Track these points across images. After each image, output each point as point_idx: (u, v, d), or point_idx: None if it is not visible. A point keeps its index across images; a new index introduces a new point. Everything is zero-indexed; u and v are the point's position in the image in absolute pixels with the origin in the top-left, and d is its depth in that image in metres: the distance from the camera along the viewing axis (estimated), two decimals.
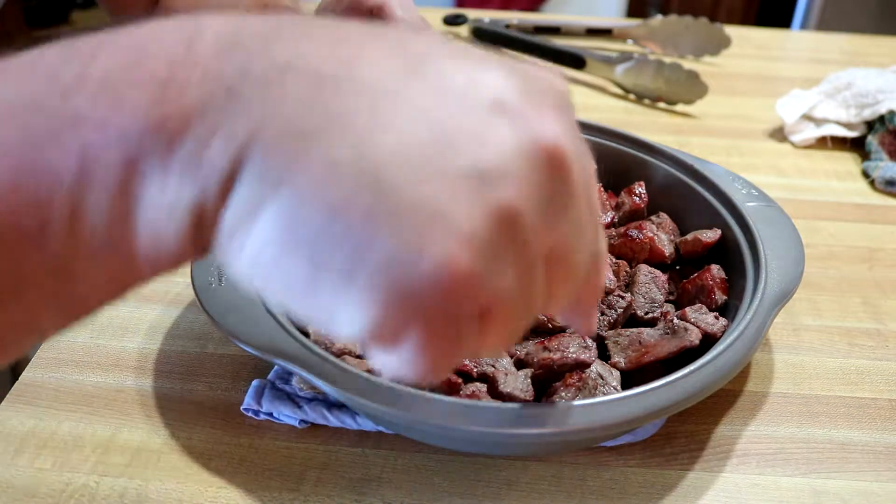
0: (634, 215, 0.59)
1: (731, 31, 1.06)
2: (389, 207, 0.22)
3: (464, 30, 1.10)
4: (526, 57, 1.03)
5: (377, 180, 0.22)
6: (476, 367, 0.46)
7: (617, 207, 0.59)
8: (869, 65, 0.98)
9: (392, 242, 0.22)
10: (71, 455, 0.46)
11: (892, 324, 0.59)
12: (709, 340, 0.47)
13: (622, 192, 0.60)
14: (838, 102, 0.86)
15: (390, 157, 0.23)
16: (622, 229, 0.56)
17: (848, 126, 0.85)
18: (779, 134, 0.87)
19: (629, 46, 1.09)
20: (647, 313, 0.51)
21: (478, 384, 0.44)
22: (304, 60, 0.24)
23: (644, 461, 0.47)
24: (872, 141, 0.82)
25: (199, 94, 0.23)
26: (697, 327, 0.47)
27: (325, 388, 0.40)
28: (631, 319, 0.51)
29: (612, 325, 0.49)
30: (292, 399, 0.48)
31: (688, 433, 0.49)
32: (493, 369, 0.46)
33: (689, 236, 0.56)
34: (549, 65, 1.01)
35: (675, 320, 0.48)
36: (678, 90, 0.91)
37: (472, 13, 1.13)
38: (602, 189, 0.59)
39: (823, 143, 0.85)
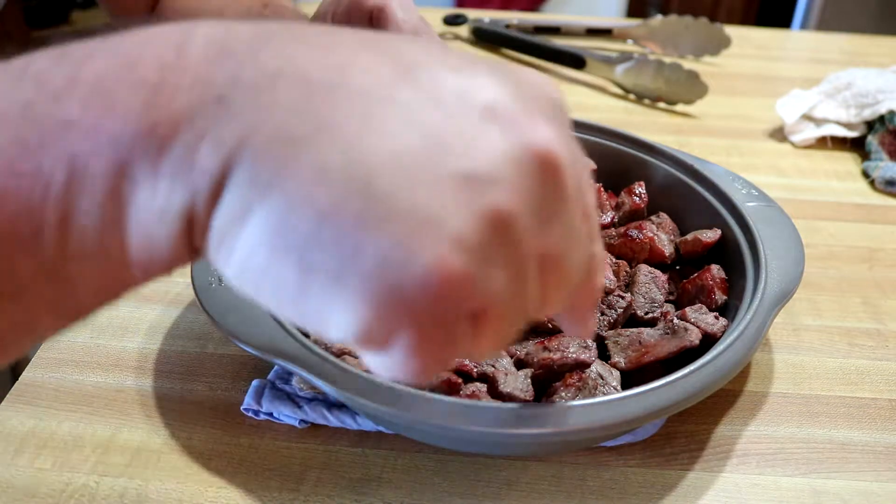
0: (634, 215, 0.59)
1: (731, 31, 1.06)
2: (380, 211, 0.22)
3: (464, 30, 1.10)
4: (523, 59, 1.03)
5: (367, 185, 0.22)
6: (476, 367, 0.46)
7: (617, 207, 0.59)
8: (869, 65, 0.98)
9: (382, 246, 0.22)
10: (71, 455, 0.46)
11: (892, 324, 0.59)
12: (709, 340, 0.47)
13: (622, 192, 0.60)
14: (838, 102, 0.86)
15: (381, 162, 0.23)
16: (622, 229, 0.56)
17: (848, 126, 0.85)
18: (779, 134, 0.87)
19: (629, 46, 1.09)
20: (647, 313, 0.51)
21: (478, 384, 0.44)
22: (295, 67, 0.24)
23: (644, 461, 0.47)
24: (872, 141, 0.82)
25: (189, 100, 0.23)
26: (697, 327, 0.47)
27: (325, 388, 0.40)
28: (631, 319, 0.51)
29: (612, 325, 0.49)
30: (292, 399, 0.48)
31: (688, 433, 0.49)
32: (493, 369, 0.46)
33: (689, 236, 0.57)
34: (544, 69, 1.01)
35: (675, 320, 0.48)
36: (678, 90, 0.91)
37: (472, 13, 1.13)
38: (602, 189, 0.59)
39: (823, 143, 0.85)
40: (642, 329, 0.48)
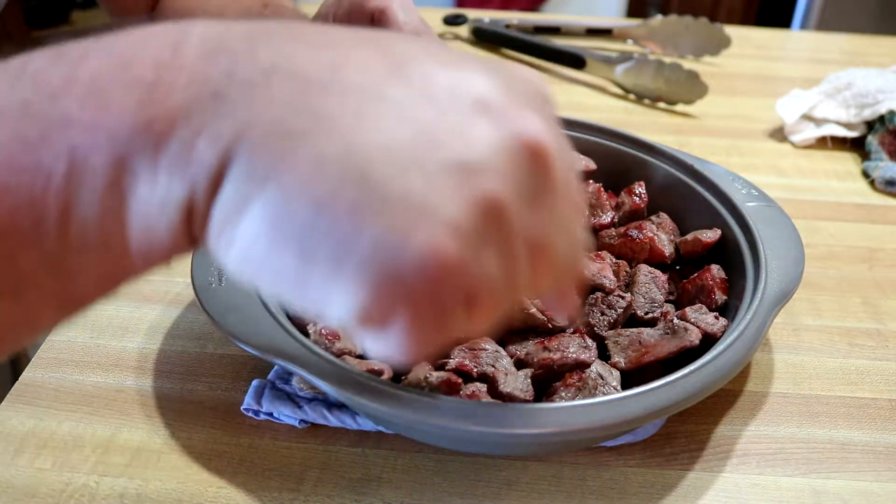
0: (634, 215, 0.59)
1: (731, 31, 1.06)
2: (376, 200, 0.23)
3: (464, 30, 1.10)
4: (523, 59, 1.03)
5: (363, 175, 0.23)
6: (476, 367, 0.46)
7: (617, 207, 0.59)
8: (869, 65, 0.98)
9: (379, 232, 0.23)
10: (71, 455, 0.46)
11: (892, 324, 0.59)
12: (709, 340, 0.47)
13: (622, 192, 0.60)
14: (838, 102, 0.86)
15: (376, 153, 0.24)
16: (622, 229, 0.56)
17: (848, 126, 0.85)
18: (779, 134, 0.87)
19: (629, 46, 1.09)
20: (647, 313, 0.51)
21: (478, 384, 0.44)
22: (290, 64, 0.25)
23: (644, 461, 0.47)
24: (872, 141, 0.82)
25: (185, 97, 0.24)
26: (697, 327, 0.47)
27: (325, 388, 0.40)
28: (631, 319, 0.51)
29: (612, 325, 0.49)
30: (292, 399, 0.48)
31: (688, 433, 0.49)
32: (493, 369, 0.46)
33: (689, 236, 0.56)
34: (544, 69, 1.01)
35: (675, 320, 0.48)
36: (678, 90, 0.91)
37: (472, 13, 1.13)
38: (602, 189, 0.59)
39: (823, 143, 0.85)
40: (642, 329, 0.48)
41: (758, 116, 0.91)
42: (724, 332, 0.47)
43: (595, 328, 0.49)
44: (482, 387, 0.44)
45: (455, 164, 0.24)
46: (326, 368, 0.41)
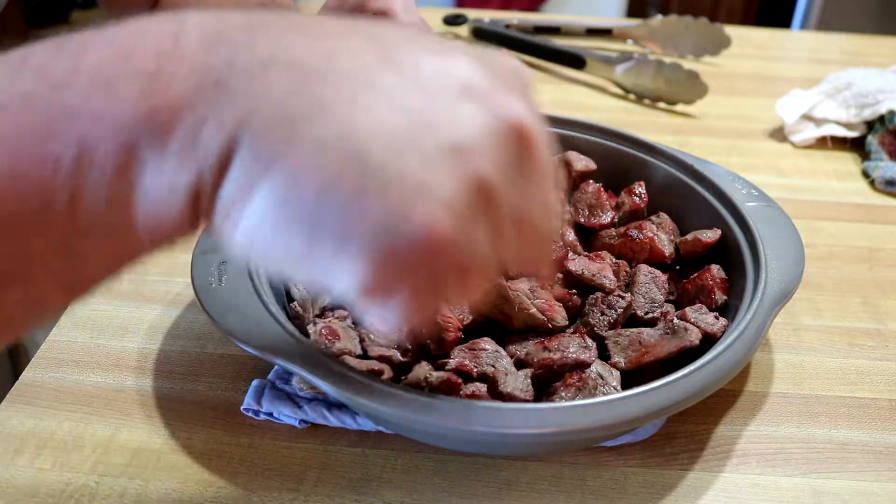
0: (634, 215, 0.59)
1: (731, 31, 1.06)
2: (376, 182, 0.25)
3: (464, 30, 1.10)
4: (523, 59, 1.03)
5: (363, 158, 0.25)
6: (476, 367, 0.46)
7: (617, 207, 0.59)
8: (869, 65, 0.98)
9: (380, 212, 0.25)
10: (71, 455, 0.46)
11: (892, 324, 0.59)
12: (709, 340, 0.47)
13: (622, 192, 0.60)
14: (838, 102, 0.86)
15: (373, 137, 0.25)
16: (622, 229, 0.56)
17: (848, 126, 0.85)
18: (779, 134, 0.87)
19: (629, 46, 1.09)
20: (647, 313, 0.51)
21: (478, 384, 0.44)
22: (287, 54, 0.26)
23: (644, 461, 0.47)
24: (872, 141, 0.82)
25: (187, 87, 0.25)
26: (697, 327, 0.47)
27: (325, 388, 0.40)
28: (631, 319, 0.51)
29: (612, 325, 0.49)
30: (292, 399, 0.48)
31: (688, 433, 0.49)
32: (493, 369, 0.46)
33: (689, 236, 0.56)
34: (544, 69, 1.01)
35: (675, 320, 0.48)
36: (678, 90, 0.91)
37: (472, 13, 1.13)
38: (602, 189, 0.58)
39: (823, 143, 0.85)
40: (642, 329, 0.48)
41: (758, 116, 0.91)
42: (724, 332, 0.47)
43: (595, 328, 0.49)
44: (482, 387, 0.44)
45: (447, 147, 0.26)
46: (326, 368, 0.41)
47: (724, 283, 0.52)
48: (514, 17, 1.12)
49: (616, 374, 0.46)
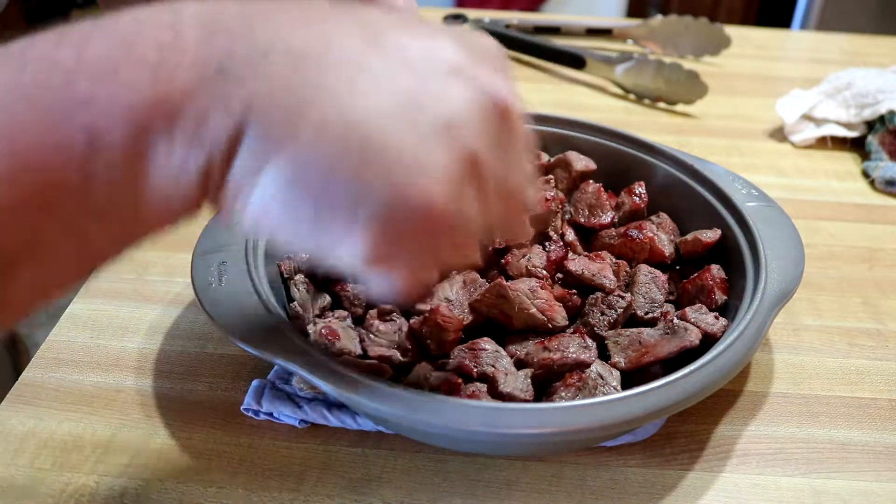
0: (634, 215, 0.59)
1: (731, 31, 1.06)
2: (377, 159, 0.27)
3: None
4: (523, 59, 1.03)
5: (364, 138, 0.27)
6: (476, 367, 0.46)
7: (617, 207, 0.59)
8: (869, 65, 0.98)
9: (382, 187, 0.27)
10: (71, 455, 0.46)
11: (892, 324, 0.59)
12: (709, 340, 0.47)
13: (622, 192, 0.60)
14: (838, 102, 0.86)
15: (372, 118, 0.27)
16: (622, 229, 0.56)
17: (848, 126, 0.85)
18: (779, 134, 0.87)
19: (629, 46, 1.09)
20: (647, 313, 0.51)
21: (478, 384, 0.44)
22: (284, 41, 0.28)
23: (644, 461, 0.47)
24: (872, 141, 0.82)
25: (190, 76, 0.26)
26: (697, 327, 0.47)
27: (325, 388, 0.40)
28: (631, 319, 0.51)
29: (612, 325, 0.49)
30: (292, 399, 0.48)
31: (688, 433, 0.49)
32: (493, 369, 0.46)
33: (689, 236, 0.56)
34: (544, 69, 1.01)
35: (675, 320, 0.48)
36: (678, 90, 0.91)
37: (472, 13, 1.13)
38: (602, 189, 0.58)
39: (823, 143, 0.85)
40: (642, 329, 0.48)
41: (758, 116, 0.91)
42: (724, 332, 0.47)
43: (595, 328, 0.49)
44: (482, 387, 0.44)
45: (439, 124, 0.28)
46: (326, 368, 0.41)
47: (724, 283, 0.52)
48: (514, 17, 1.12)
49: (616, 374, 0.46)
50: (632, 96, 0.95)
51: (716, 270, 0.52)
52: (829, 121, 0.85)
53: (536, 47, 1.02)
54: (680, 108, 0.92)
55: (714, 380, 0.42)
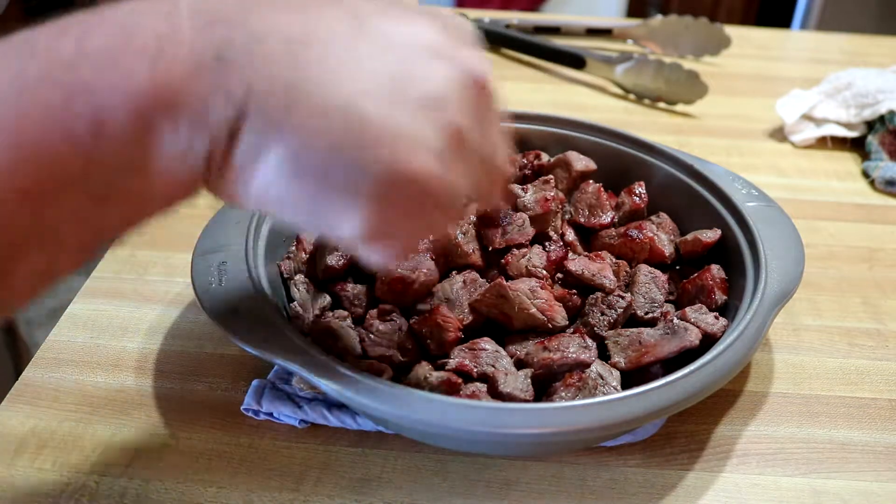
0: (634, 215, 0.59)
1: (731, 31, 1.06)
2: (373, 138, 0.29)
3: None
4: (523, 59, 1.03)
5: (360, 119, 0.29)
6: (476, 367, 0.46)
7: (617, 207, 0.59)
8: (869, 65, 0.98)
9: (380, 163, 0.29)
10: (71, 455, 0.46)
11: (892, 324, 0.59)
12: (709, 340, 0.47)
13: (622, 192, 0.60)
14: (838, 102, 0.86)
15: (366, 100, 0.29)
16: (622, 229, 0.56)
17: (848, 126, 0.85)
18: (779, 134, 0.87)
19: (629, 46, 1.09)
20: (647, 313, 0.51)
21: (478, 384, 0.44)
22: (278, 28, 0.29)
23: (644, 461, 0.47)
24: (872, 141, 0.82)
25: (189, 64, 0.28)
26: (697, 327, 0.47)
27: (325, 388, 0.40)
28: (631, 319, 0.51)
29: (612, 325, 0.49)
30: (292, 399, 0.48)
31: (688, 433, 0.49)
32: (493, 369, 0.46)
33: (689, 236, 0.56)
34: (544, 69, 1.01)
35: (675, 320, 0.48)
36: (678, 90, 0.91)
37: (472, 13, 1.13)
38: (602, 189, 0.58)
39: (823, 143, 0.85)
40: (642, 329, 0.48)
41: (758, 116, 0.91)
42: (724, 332, 0.47)
43: (595, 328, 0.49)
44: (482, 387, 0.44)
45: (426, 102, 0.30)
46: (326, 368, 0.41)
47: (724, 283, 0.52)
48: (514, 17, 1.12)
49: (616, 374, 0.46)
50: (632, 96, 0.95)
51: (716, 270, 0.52)
52: (829, 121, 0.85)
53: (536, 47, 1.02)
54: (680, 108, 0.92)
55: (714, 380, 0.42)
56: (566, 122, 0.64)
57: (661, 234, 0.56)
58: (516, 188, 0.55)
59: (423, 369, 0.45)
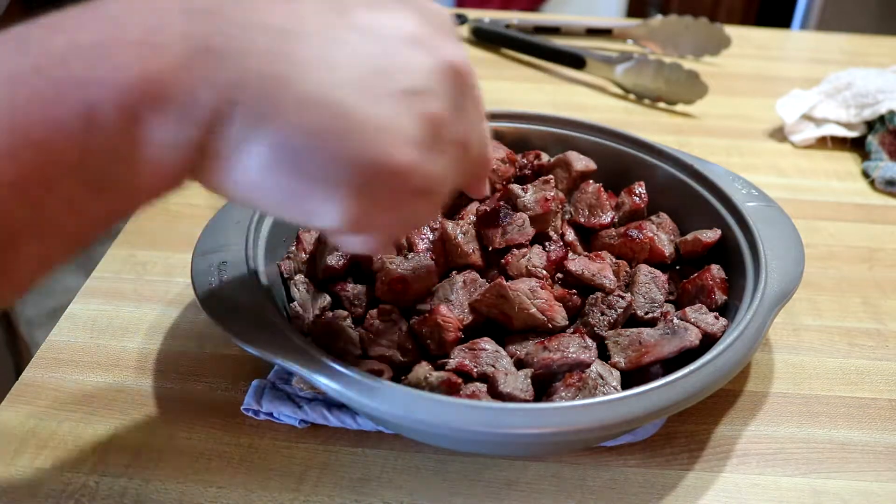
0: (634, 215, 0.59)
1: (731, 31, 1.06)
2: (352, 129, 0.29)
3: (464, 30, 1.10)
4: (523, 59, 1.03)
5: (339, 110, 0.29)
6: (476, 367, 0.46)
7: (617, 207, 0.59)
8: (869, 65, 0.98)
9: (360, 152, 0.30)
10: (71, 455, 0.46)
11: (892, 324, 0.59)
12: (709, 340, 0.47)
13: (622, 192, 0.60)
14: (838, 102, 0.86)
15: (345, 90, 0.29)
16: (622, 229, 0.56)
17: (848, 126, 0.85)
18: (779, 134, 0.87)
19: (629, 46, 1.09)
20: (647, 313, 0.51)
21: (478, 384, 0.44)
22: (262, 20, 0.30)
23: (644, 461, 0.47)
24: (872, 141, 0.82)
25: (177, 56, 0.28)
26: (697, 327, 0.47)
27: (325, 388, 0.40)
28: (631, 319, 0.51)
29: (612, 325, 0.49)
30: (292, 399, 0.48)
31: (688, 433, 0.49)
32: (493, 369, 0.46)
33: (689, 236, 0.56)
34: (544, 69, 1.01)
35: (675, 320, 0.48)
36: (678, 90, 0.91)
37: (472, 13, 1.13)
38: (602, 189, 0.58)
39: (823, 143, 0.85)
40: (642, 329, 0.48)
41: (758, 116, 0.91)
42: (724, 332, 0.47)
43: (595, 328, 0.49)
44: (482, 387, 0.44)
45: (405, 92, 0.31)
46: (326, 368, 0.41)
47: (724, 283, 0.52)
48: (514, 17, 1.12)
49: (616, 374, 0.46)
50: (632, 96, 0.95)
51: (716, 270, 0.53)
52: (829, 121, 0.85)
53: (536, 47, 1.02)
54: (680, 108, 0.92)
55: (714, 380, 0.42)
56: (566, 122, 0.64)
57: (661, 234, 0.56)
58: (516, 188, 0.55)
59: (423, 369, 0.45)
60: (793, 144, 0.85)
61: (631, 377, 0.47)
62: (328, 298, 0.51)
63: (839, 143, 0.85)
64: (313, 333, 0.47)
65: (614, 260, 0.54)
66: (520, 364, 0.47)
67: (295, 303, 0.49)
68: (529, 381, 0.45)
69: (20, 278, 0.30)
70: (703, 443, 0.48)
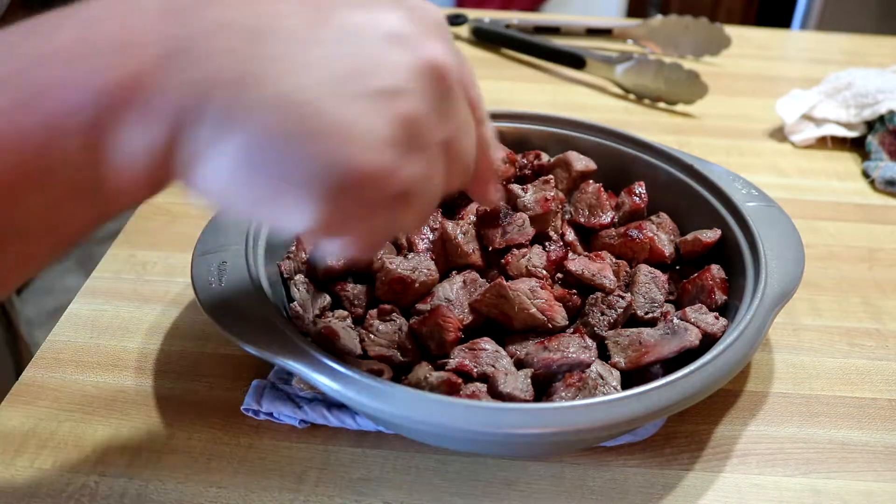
0: (634, 215, 0.59)
1: (731, 31, 1.06)
2: (324, 129, 0.29)
3: (464, 30, 1.10)
4: (523, 59, 1.03)
5: (310, 111, 0.28)
6: (476, 367, 0.46)
7: (617, 207, 0.59)
8: (869, 65, 0.98)
9: (331, 154, 0.29)
10: (71, 455, 0.46)
11: (892, 324, 0.59)
12: (709, 340, 0.47)
13: (622, 192, 0.60)
14: (838, 102, 0.86)
15: (316, 92, 0.29)
16: (622, 229, 0.56)
17: (848, 126, 0.85)
18: (779, 134, 0.87)
19: (629, 46, 1.09)
20: (647, 313, 0.51)
21: (478, 384, 0.44)
22: (236, 19, 0.29)
23: (644, 461, 0.47)
24: (872, 141, 0.82)
25: (150, 56, 0.28)
26: (697, 327, 0.47)
27: (325, 388, 0.40)
28: (631, 319, 0.51)
29: (612, 325, 0.49)
30: (292, 399, 0.48)
31: (688, 433, 0.49)
32: (493, 369, 0.46)
33: (689, 236, 0.56)
34: (544, 69, 1.01)
35: (675, 320, 0.48)
36: (678, 90, 0.91)
37: (472, 13, 1.13)
38: (602, 189, 0.58)
39: (823, 143, 0.85)
40: (642, 329, 0.48)
41: (758, 116, 0.91)
42: (724, 332, 0.47)
43: (595, 328, 0.49)
44: (482, 387, 0.44)
45: (378, 92, 0.29)
46: (326, 368, 0.41)
47: (724, 283, 0.52)
48: (514, 17, 1.12)
49: (616, 374, 0.46)
50: (632, 96, 0.95)
51: (716, 270, 0.53)
52: (829, 121, 0.85)
53: (536, 47, 1.02)
54: (680, 108, 0.92)
55: (714, 380, 0.42)
56: (566, 122, 0.64)
57: (661, 234, 0.56)
58: (516, 188, 0.55)
59: (423, 369, 0.45)
60: (793, 144, 0.85)
61: (631, 377, 0.47)
62: (328, 298, 0.51)
63: (839, 143, 0.85)
64: (313, 333, 0.47)
65: (614, 260, 0.54)
66: (520, 364, 0.47)
67: (295, 303, 0.49)
68: (529, 381, 0.45)
69: (4, 276, 0.30)
70: (703, 443, 0.48)
